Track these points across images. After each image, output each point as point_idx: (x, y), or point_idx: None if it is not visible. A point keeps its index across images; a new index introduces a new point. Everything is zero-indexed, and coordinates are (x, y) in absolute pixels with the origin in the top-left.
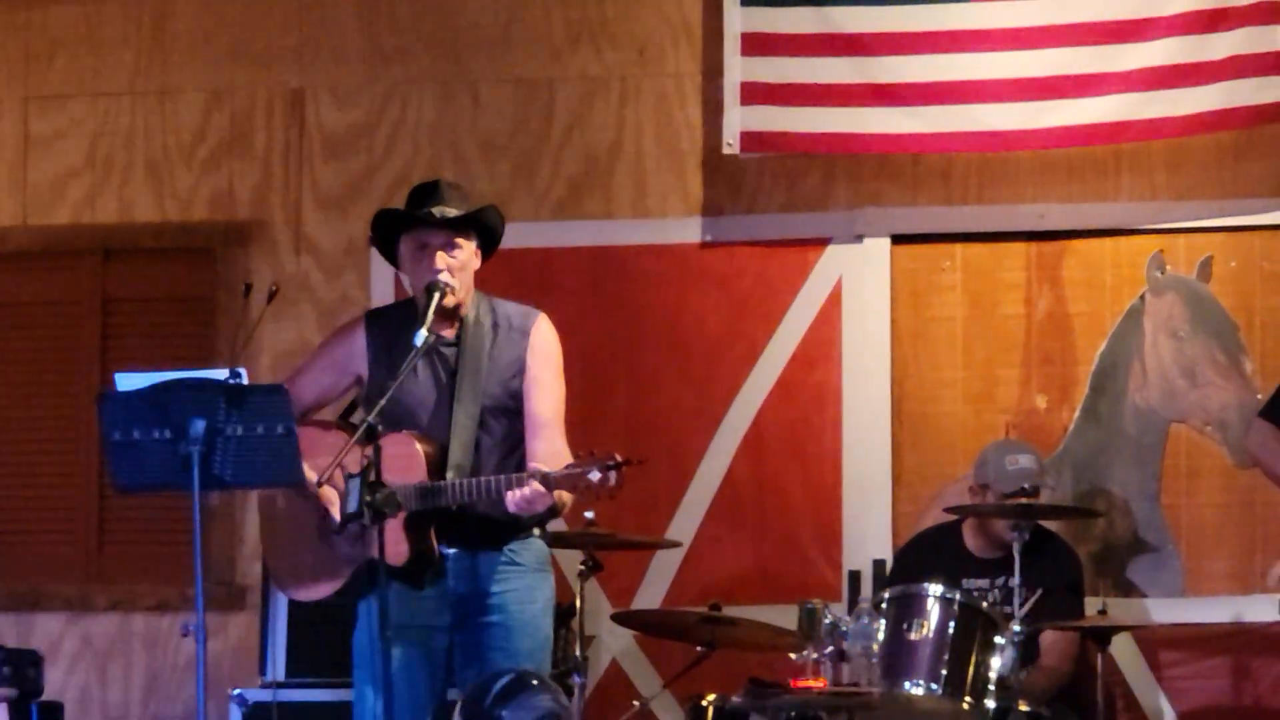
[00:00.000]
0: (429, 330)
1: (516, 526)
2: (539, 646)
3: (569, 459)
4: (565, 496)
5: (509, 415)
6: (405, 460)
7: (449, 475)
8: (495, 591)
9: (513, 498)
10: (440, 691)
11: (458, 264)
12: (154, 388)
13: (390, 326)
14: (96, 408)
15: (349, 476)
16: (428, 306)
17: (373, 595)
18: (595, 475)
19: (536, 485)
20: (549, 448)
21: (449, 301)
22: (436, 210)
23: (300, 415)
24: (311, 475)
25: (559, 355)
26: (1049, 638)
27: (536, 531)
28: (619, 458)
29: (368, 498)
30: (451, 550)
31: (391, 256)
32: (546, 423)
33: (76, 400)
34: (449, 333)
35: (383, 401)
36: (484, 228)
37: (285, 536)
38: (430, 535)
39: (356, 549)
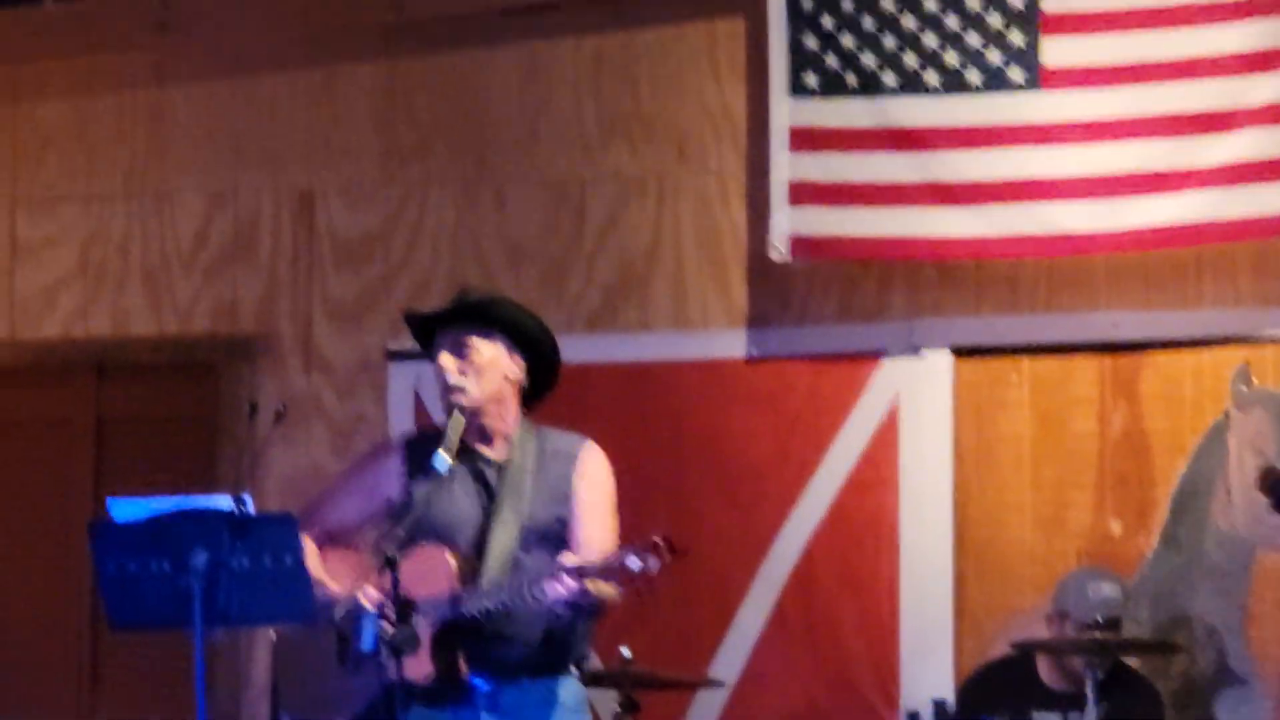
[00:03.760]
0: (452, 457)
1: (556, 659)
2: None
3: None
4: (605, 591)
5: (553, 542)
6: (433, 570)
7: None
8: None
9: (552, 590)
10: None
11: (473, 367)
12: (152, 516)
13: (429, 451)
14: (89, 537)
15: (362, 612)
16: (453, 432)
17: None
18: (634, 562)
19: (567, 579)
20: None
21: (462, 400)
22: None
23: (324, 542)
24: (335, 590)
25: (610, 484)
26: None
27: (574, 671)
28: (658, 539)
29: (386, 636)
30: (484, 680)
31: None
32: (595, 551)
33: (68, 529)
34: (493, 452)
35: (400, 530)
36: (513, 330)
37: (300, 663)
38: (458, 656)
39: (381, 680)
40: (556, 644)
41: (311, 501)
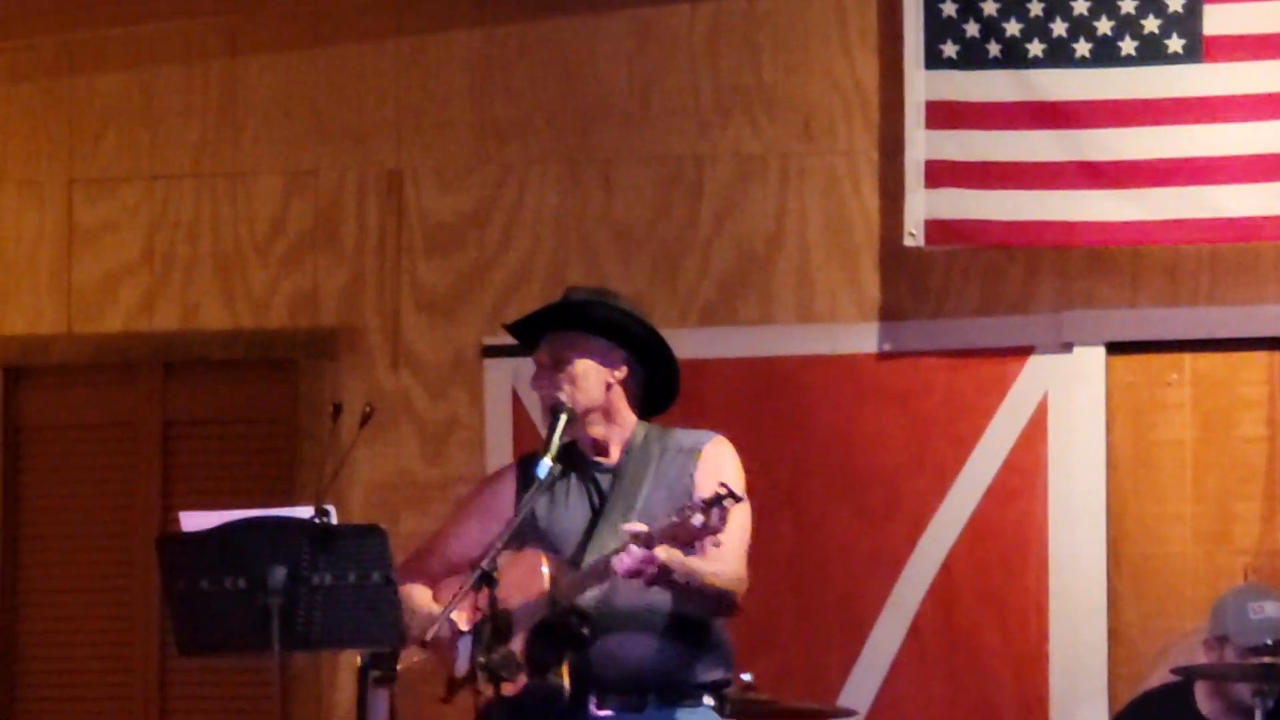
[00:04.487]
0: (553, 459)
1: (683, 683)
2: None
3: (742, 579)
4: (677, 558)
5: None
6: (527, 577)
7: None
8: None
9: (621, 563)
10: None
11: (567, 375)
12: (225, 528)
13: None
14: (157, 552)
15: (458, 634)
16: (551, 431)
17: None
18: (698, 519)
19: (633, 550)
20: (717, 564)
21: (563, 411)
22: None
23: (448, 574)
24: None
25: (739, 473)
26: None
27: (709, 700)
28: (722, 490)
29: (482, 659)
30: (606, 713)
31: None
32: (718, 543)
33: (133, 542)
34: (607, 459)
35: (501, 542)
36: (614, 332)
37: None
38: (562, 667)
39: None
40: (679, 662)
41: (431, 540)
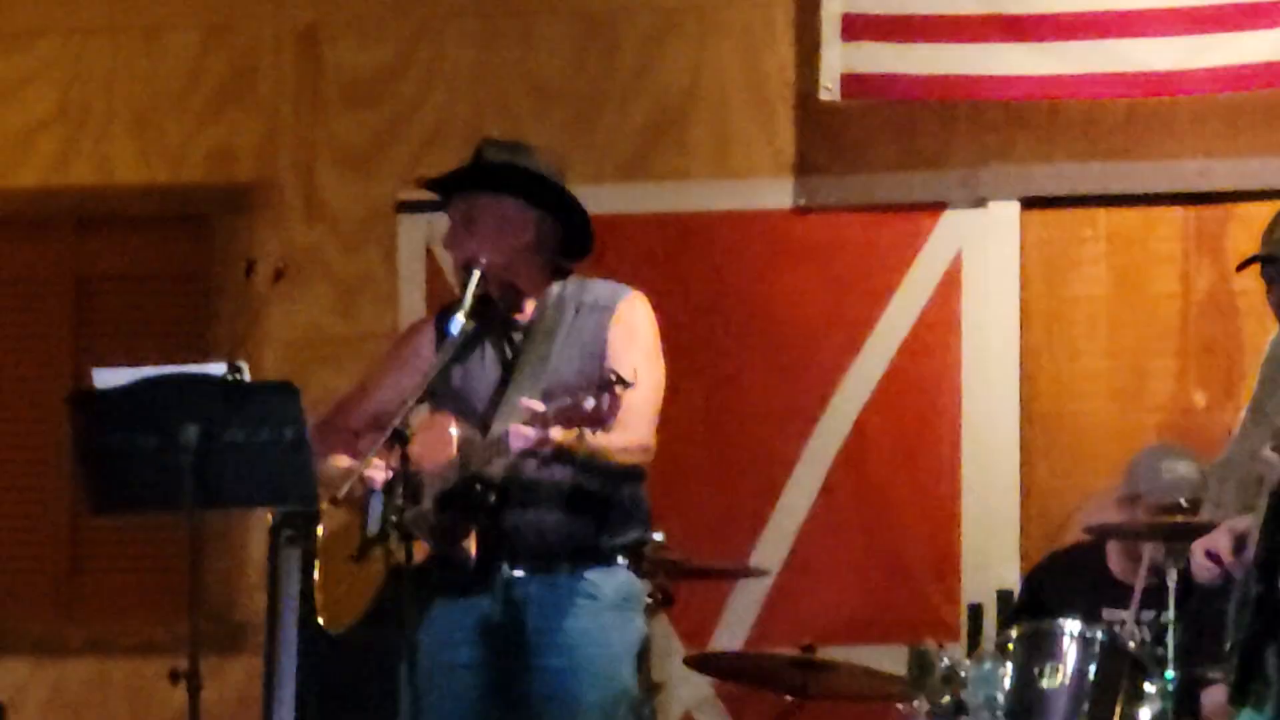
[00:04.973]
0: (466, 316)
1: (593, 544)
2: (613, 702)
3: (648, 443)
4: (570, 439)
5: None
6: (437, 442)
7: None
8: (559, 628)
9: (514, 439)
10: None
11: (478, 231)
12: (137, 385)
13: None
14: (69, 410)
15: (371, 492)
16: (464, 289)
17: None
18: (589, 403)
19: (525, 429)
20: (621, 436)
21: (479, 265)
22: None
23: (369, 427)
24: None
25: (652, 335)
26: (1215, 696)
27: (623, 560)
28: (612, 375)
29: (394, 518)
30: (513, 571)
31: None
32: (626, 407)
33: (45, 400)
34: (522, 315)
35: (411, 403)
36: (533, 189)
37: (324, 561)
38: (467, 534)
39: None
40: (589, 529)
41: (352, 392)
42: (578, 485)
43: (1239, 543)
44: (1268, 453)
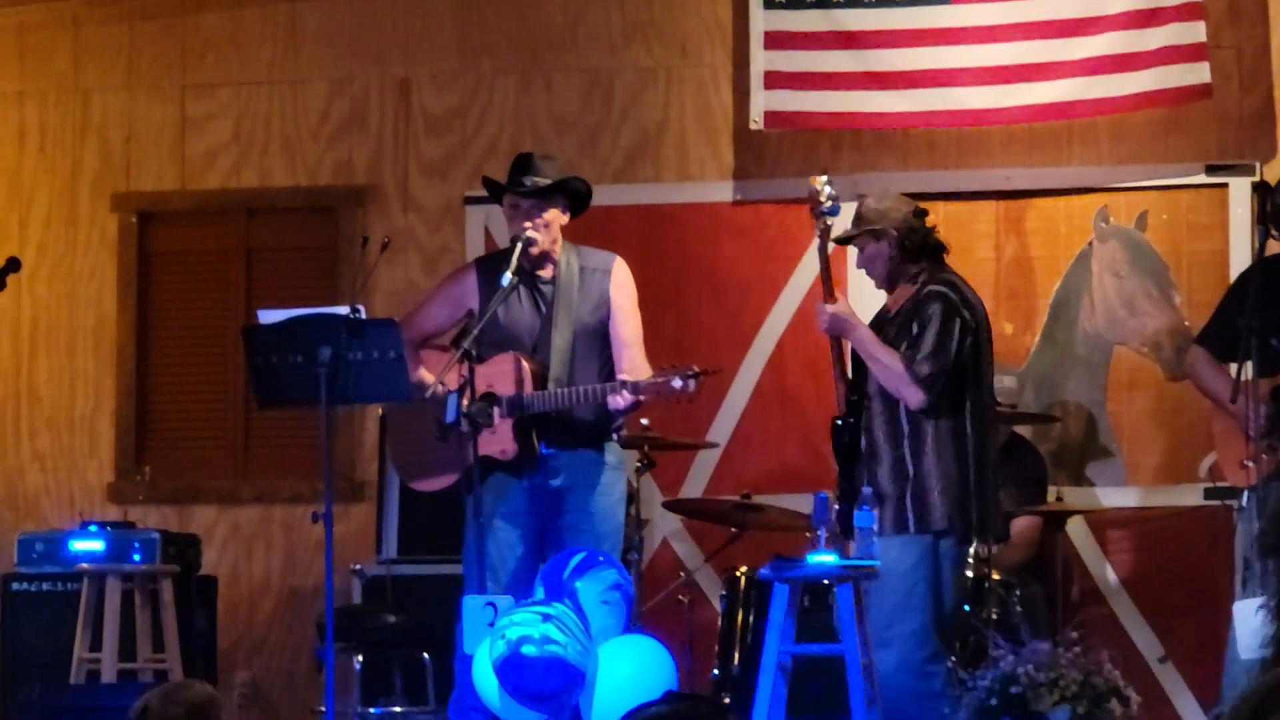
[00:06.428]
0: (513, 274)
1: (604, 430)
2: (615, 530)
3: (649, 371)
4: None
5: (598, 338)
6: (512, 375)
7: (550, 386)
8: (585, 485)
9: (614, 401)
10: (537, 568)
11: (542, 223)
12: (289, 321)
13: (498, 269)
14: (243, 338)
15: (448, 392)
16: (512, 255)
17: (481, 487)
18: (677, 383)
19: (626, 394)
20: (634, 363)
21: (534, 251)
22: (529, 180)
23: (422, 341)
24: (428, 378)
25: (634, 289)
26: (1019, 523)
27: (616, 438)
28: (697, 369)
29: (465, 409)
30: (552, 450)
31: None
32: (630, 343)
33: (226, 333)
34: (545, 273)
35: (476, 329)
36: (570, 193)
37: (410, 439)
38: (533, 436)
39: (467, 449)
40: (604, 422)
41: (410, 312)
42: (607, 408)
43: None
44: None
